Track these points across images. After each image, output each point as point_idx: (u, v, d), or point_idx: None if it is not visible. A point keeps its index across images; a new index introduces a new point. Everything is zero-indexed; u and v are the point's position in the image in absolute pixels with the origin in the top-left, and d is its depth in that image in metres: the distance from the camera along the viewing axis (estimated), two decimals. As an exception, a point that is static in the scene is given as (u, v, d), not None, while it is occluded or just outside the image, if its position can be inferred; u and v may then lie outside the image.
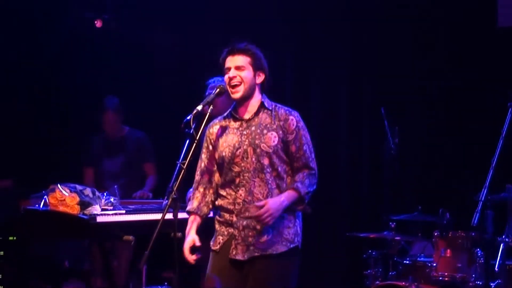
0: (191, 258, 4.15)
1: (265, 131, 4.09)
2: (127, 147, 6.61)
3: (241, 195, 4.08)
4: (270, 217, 3.97)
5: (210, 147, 4.22)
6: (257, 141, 4.07)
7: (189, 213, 4.26)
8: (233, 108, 4.21)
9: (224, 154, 4.14)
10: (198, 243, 4.15)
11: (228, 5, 7.10)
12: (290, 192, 4.06)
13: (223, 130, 4.19)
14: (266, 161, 4.06)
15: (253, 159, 4.07)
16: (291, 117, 4.12)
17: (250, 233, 4.05)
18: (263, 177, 4.06)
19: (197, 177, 4.28)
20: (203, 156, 4.26)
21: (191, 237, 4.18)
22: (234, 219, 4.10)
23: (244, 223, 4.06)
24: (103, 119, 6.60)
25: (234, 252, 4.07)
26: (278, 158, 4.08)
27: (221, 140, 4.17)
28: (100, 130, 6.69)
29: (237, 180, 4.10)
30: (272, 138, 4.07)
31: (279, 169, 4.08)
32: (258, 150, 4.06)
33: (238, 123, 4.16)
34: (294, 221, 4.13)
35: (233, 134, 4.15)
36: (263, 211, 3.96)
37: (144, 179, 6.60)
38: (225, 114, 4.25)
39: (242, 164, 4.08)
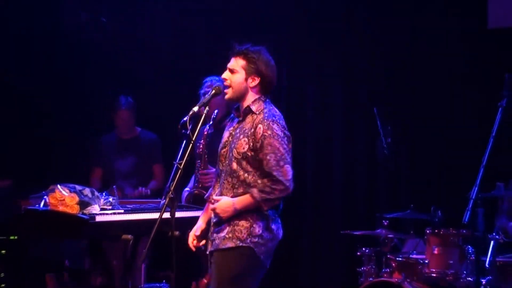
0: (192, 244, 4.21)
1: (241, 136, 4.08)
2: (139, 148, 6.62)
3: (217, 193, 4.17)
4: (218, 213, 4.05)
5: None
6: (233, 145, 4.10)
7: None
8: (236, 107, 4.26)
9: (218, 150, 4.24)
10: (198, 233, 4.22)
11: (228, 6, 7.14)
12: (246, 197, 4.01)
13: (229, 126, 4.26)
14: (234, 166, 4.06)
15: (227, 161, 4.11)
16: (260, 125, 4.02)
17: (214, 229, 4.13)
18: (230, 181, 4.08)
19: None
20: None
21: (197, 225, 4.26)
22: (212, 215, 4.20)
23: (215, 220, 4.15)
24: (117, 118, 6.61)
25: (209, 247, 4.16)
26: (246, 166, 4.05)
27: (223, 135, 4.26)
28: (111, 130, 6.70)
29: (220, 179, 4.20)
30: (243, 145, 4.05)
31: (245, 175, 4.04)
32: (231, 154, 4.09)
33: (235, 122, 4.22)
34: (253, 222, 4.03)
35: (228, 132, 4.22)
36: (212, 207, 4.07)
37: None
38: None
39: (224, 164, 4.15)
